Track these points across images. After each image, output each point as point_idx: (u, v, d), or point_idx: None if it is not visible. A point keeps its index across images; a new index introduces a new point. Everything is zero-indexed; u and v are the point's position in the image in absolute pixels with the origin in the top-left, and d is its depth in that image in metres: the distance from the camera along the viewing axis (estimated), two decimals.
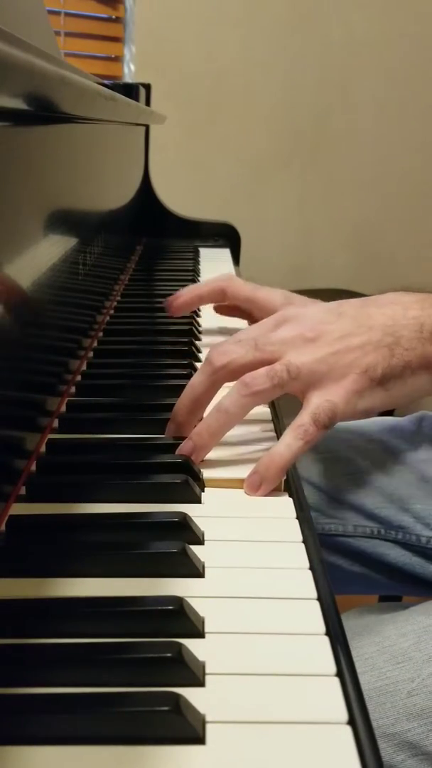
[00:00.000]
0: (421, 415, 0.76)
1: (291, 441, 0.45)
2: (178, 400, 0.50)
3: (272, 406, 0.57)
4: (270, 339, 0.48)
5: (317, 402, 0.46)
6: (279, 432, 0.52)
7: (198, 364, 0.66)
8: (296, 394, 0.48)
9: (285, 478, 0.46)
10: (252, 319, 0.68)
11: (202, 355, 0.69)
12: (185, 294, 0.69)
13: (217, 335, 0.77)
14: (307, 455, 0.73)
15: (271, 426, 0.54)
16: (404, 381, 0.47)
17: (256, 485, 0.45)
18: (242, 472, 0.47)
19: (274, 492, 0.46)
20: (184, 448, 0.47)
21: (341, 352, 0.47)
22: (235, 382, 0.47)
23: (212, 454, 0.49)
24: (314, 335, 0.48)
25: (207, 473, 0.47)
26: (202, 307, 0.85)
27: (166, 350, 0.70)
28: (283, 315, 0.51)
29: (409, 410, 0.81)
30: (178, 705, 0.27)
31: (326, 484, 0.73)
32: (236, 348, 0.48)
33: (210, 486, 0.46)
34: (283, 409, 0.57)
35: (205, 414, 0.49)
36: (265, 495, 0.45)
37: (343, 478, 0.72)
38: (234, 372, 0.48)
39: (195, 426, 0.48)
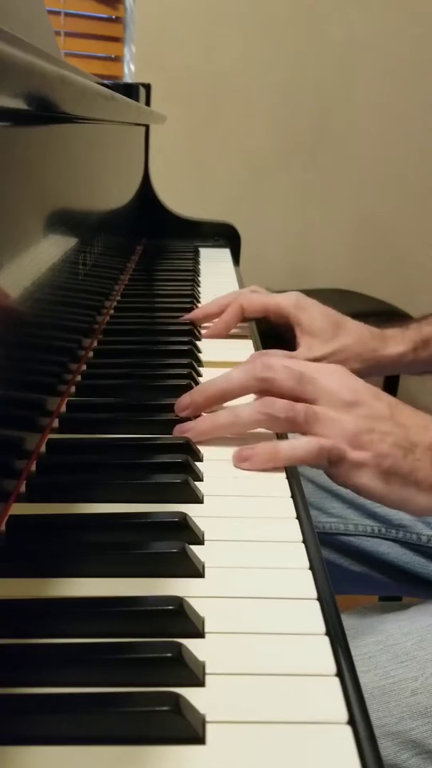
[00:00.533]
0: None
1: (298, 446, 0.47)
2: (207, 382, 0.53)
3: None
4: (314, 382, 0.51)
5: (333, 442, 0.48)
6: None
7: (198, 365, 0.66)
8: (304, 434, 0.49)
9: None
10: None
11: (202, 355, 0.69)
12: (217, 329, 0.76)
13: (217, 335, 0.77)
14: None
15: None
16: (405, 487, 0.48)
17: (244, 458, 0.48)
18: (244, 491, 0.47)
19: (275, 491, 0.46)
20: (184, 426, 0.51)
21: (366, 428, 0.48)
22: (256, 399, 0.51)
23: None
24: (351, 400, 0.50)
25: (207, 474, 0.47)
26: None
27: (166, 350, 0.70)
28: (331, 368, 0.53)
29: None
30: (178, 705, 0.27)
31: (327, 482, 0.73)
32: (283, 372, 0.51)
33: (209, 497, 0.45)
34: None
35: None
36: (258, 470, 0.48)
37: None
38: (268, 389, 0.51)
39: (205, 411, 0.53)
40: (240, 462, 0.48)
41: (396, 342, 0.74)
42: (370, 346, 0.73)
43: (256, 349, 0.73)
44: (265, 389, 0.51)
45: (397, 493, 0.48)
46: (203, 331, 0.77)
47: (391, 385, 1.81)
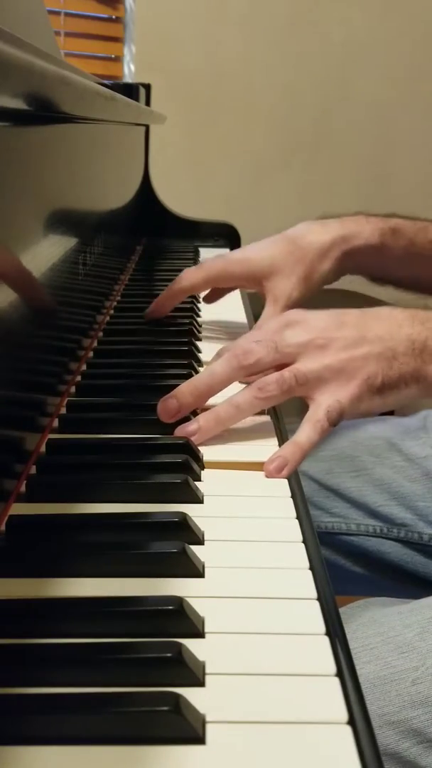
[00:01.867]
0: (426, 413, 0.76)
1: (311, 433, 0.50)
2: (191, 382, 0.53)
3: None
4: (287, 342, 0.53)
5: (328, 401, 0.51)
6: (278, 426, 0.55)
7: (198, 365, 0.66)
8: (303, 396, 0.52)
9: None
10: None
11: (203, 355, 0.69)
12: (153, 305, 0.76)
13: (217, 335, 0.77)
14: (311, 452, 0.73)
15: (264, 418, 0.56)
16: (398, 391, 0.52)
17: (281, 467, 0.48)
18: (241, 455, 0.50)
19: (275, 491, 0.46)
20: (188, 429, 0.51)
21: (347, 360, 0.51)
22: (247, 385, 0.52)
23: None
24: (323, 343, 0.52)
25: (207, 455, 0.48)
26: (202, 307, 0.85)
27: (166, 350, 0.70)
28: (288, 318, 0.55)
29: (413, 409, 0.81)
30: (178, 705, 0.27)
31: (329, 482, 0.73)
32: (260, 349, 0.52)
33: (210, 468, 0.47)
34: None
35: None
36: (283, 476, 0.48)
37: (347, 476, 0.72)
38: (256, 372, 0.53)
39: (192, 410, 0.53)
40: (277, 472, 0.48)
41: (360, 226, 0.73)
42: (327, 236, 0.71)
43: None
44: (252, 373, 0.53)
45: (393, 400, 0.52)
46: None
47: None
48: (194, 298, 0.89)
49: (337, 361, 0.51)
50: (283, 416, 0.57)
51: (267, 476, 0.48)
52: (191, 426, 0.51)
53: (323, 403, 0.51)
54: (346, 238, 0.71)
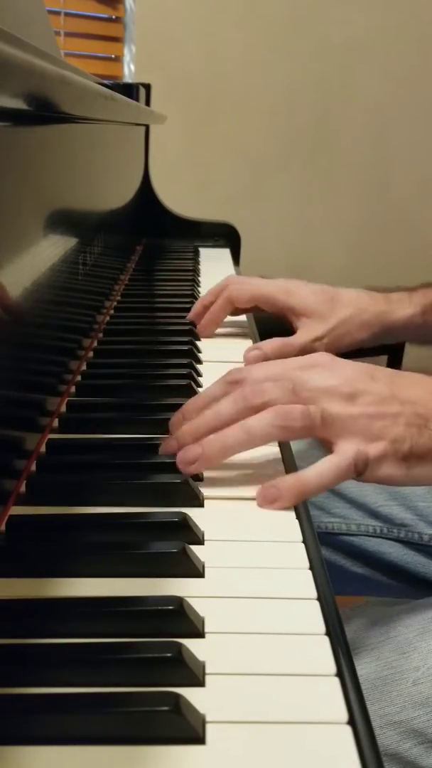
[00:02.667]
0: None
1: (326, 472, 0.45)
2: (192, 425, 0.47)
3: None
4: (307, 385, 0.47)
5: (355, 449, 0.45)
6: (284, 457, 0.51)
7: (198, 365, 0.66)
8: (321, 440, 0.47)
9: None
10: (258, 311, 0.75)
11: (202, 355, 0.69)
12: (206, 322, 0.76)
13: (217, 334, 0.77)
14: (312, 452, 0.73)
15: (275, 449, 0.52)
16: (425, 464, 0.46)
17: (272, 498, 0.44)
18: (244, 491, 0.46)
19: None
20: (189, 453, 0.45)
21: (375, 416, 0.46)
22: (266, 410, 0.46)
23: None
24: (350, 392, 0.47)
25: (207, 473, 0.47)
26: None
27: (166, 350, 0.70)
28: (315, 360, 0.50)
29: None
30: (178, 705, 0.27)
31: None
32: (274, 389, 0.47)
33: (209, 499, 0.45)
34: None
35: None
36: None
37: None
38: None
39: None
40: (268, 504, 0.44)
41: (403, 305, 0.71)
42: (373, 311, 0.71)
43: None
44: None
45: (419, 472, 0.46)
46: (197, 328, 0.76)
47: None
48: (194, 299, 0.89)
49: (364, 414, 0.46)
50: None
51: (258, 504, 0.44)
52: (191, 451, 0.45)
53: (350, 450, 0.45)
54: (388, 314, 0.71)
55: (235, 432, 0.45)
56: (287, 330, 0.72)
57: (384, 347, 1.97)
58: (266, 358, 0.66)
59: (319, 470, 0.45)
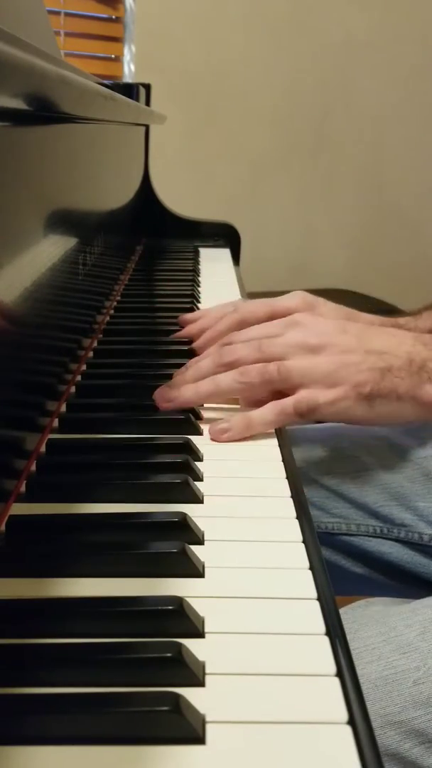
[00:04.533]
0: None
1: (266, 413, 0.52)
2: (181, 374, 0.56)
3: None
4: (274, 342, 0.54)
5: (303, 393, 0.52)
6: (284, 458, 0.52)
7: None
8: (286, 392, 0.53)
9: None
10: None
11: None
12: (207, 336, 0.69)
13: None
14: (312, 452, 0.73)
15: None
16: (389, 403, 0.52)
17: (222, 431, 0.51)
18: (244, 491, 0.46)
19: (275, 491, 0.46)
20: (168, 393, 0.54)
21: (337, 365, 0.52)
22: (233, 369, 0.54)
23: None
24: (317, 344, 0.53)
25: (208, 472, 0.47)
26: (202, 307, 0.85)
27: (166, 350, 0.70)
28: (294, 319, 0.56)
29: None
30: (178, 705, 0.27)
31: (330, 482, 0.73)
32: (243, 348, 0.54)
33: (209, 498, 0.45)
34: None
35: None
36: (232, 441, 0.52)
37: (347, 476, 0.72)
38: (235, 368, 0.54)
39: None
40: (219, 435, 0.51)
41: (410, 331, 0.73)
42: None
43: None
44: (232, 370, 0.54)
45: (383, 412, 0.52)
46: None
47: None
48: (194, 299, 0.89)
49: (327, 364, 0.52)
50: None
51: (211, 437, 0.51)
52: (170, 392, 0.54)
53: (299, 394, 0.52)
54: None
55: (207, 383, 0.54)
56: None
57: None
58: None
59: (263, 411, 0.52)
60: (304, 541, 0.40)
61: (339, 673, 0.31)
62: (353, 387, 0.51)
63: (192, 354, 0.67)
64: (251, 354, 0.54)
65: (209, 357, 0.56)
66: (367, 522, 0.72)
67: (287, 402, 0.52)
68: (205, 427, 0.54)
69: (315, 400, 0.51)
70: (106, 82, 1.27)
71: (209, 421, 0.54)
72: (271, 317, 0.69)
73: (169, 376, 0.61)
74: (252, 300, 0.73)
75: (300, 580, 0.37)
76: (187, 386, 0.54)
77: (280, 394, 0.54)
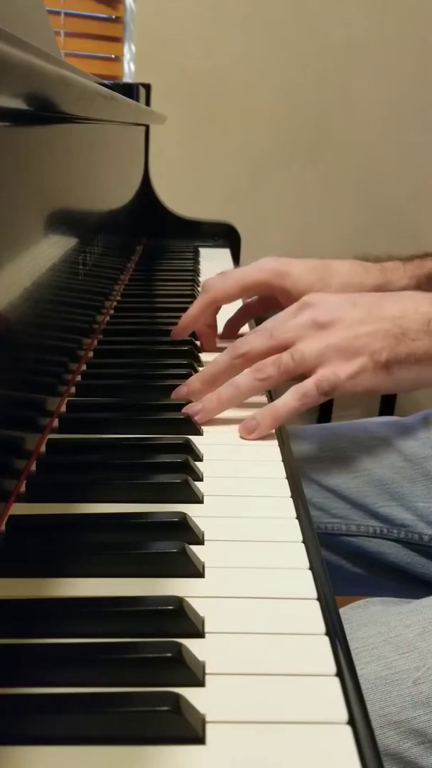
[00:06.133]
0: (426, 413, 0.76)
1: (289, 399, 0.51)
2: (200, 373, 0.57)
3: (268, 394, 0.60)
4: (285, 327, 0.54)
5: (322, 372, 0.51)
6: (284, 457, 0.52)
7: (198, 365, 0.66)
8: (306, 374, 0.52)
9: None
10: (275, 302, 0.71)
11: (202, 356, 0.69)
12: (181, 322, 0.71)
13: (218, 334, 0.77)
14: (312, 452, 0.73)
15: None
16: (408, 368, 0.51)
17: (251, 429, 0.51)
18: (244, 490, 0.47)
19: (275, 491, 0.46)
20: (192, 408, 0.54)
21: (350, 338, 0.51)
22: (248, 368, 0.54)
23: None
24: (327, 321, 0.53)
25: (207, 473, 0.47)
26: None
27: (166, 350, 0.70)
28: (305, 300, 0.55)
29: (412, 409, 0.81)
30: (178, 705, 0.27)
31: (330, 483, 0.73)
32: (254, 338, 0.54)
33: (209, 498, 0.45)
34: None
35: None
36: (258, 439, 0.52)
37: (347, 476, 0.72)
38: (251, 360, 0.54)
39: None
40: (248, 434, 0.51)
41: (398, 274, 0.71)
42: (370, 284, 0.69)
43: None
44: (248, 362, 0.54)
45: (404, 378, 0.52)
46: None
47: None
48: (194, 299, 0.89)
49: (339, 339, 0.51)
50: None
51: (241, 437, 0.51)
52: (195, 407, 0.54)
53: (318, 374, 0.51)
54: (384, 286, 0.69)
55: (226, 389, 0.54)
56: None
57: None
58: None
59: (285, 397, 0.51)
60: (304, 541, 0.40)
61: (339, 673, 0.31)
62: (369, 356, 0.51)
63: (192, 354, 0.68)
64: (264, 342, 0.54)
65: (224, 352, 0.56)
66: (366, 522, 0.72)
67: (308, 384, 0.51)
68: (205, 428, 0.54)
69: (336, 375, 0.51)
70: (106, 82, 1.27)
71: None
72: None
73: (169, 376, 0.61)
74: (216, 276, 0.69)
75: (300, 580, 0.37)
76: (209, 398, 0.54)
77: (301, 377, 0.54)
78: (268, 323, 0.57)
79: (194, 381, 0.56)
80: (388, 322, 0.52)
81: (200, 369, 0.66)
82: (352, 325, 0.52)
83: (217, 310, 0.70)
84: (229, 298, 0.68)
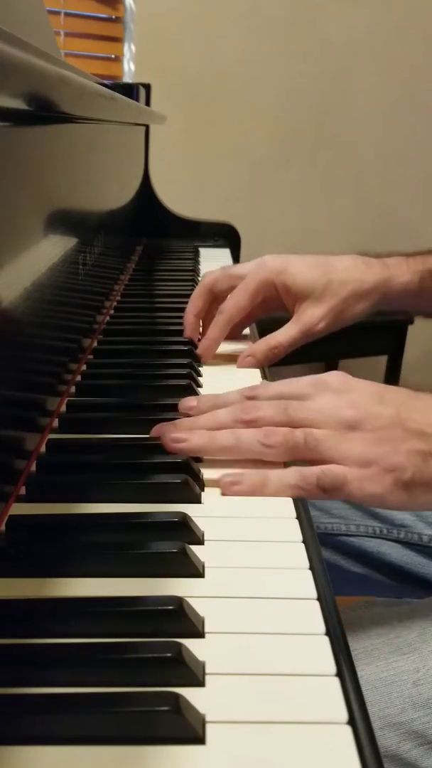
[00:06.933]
0: None
1: (288, 478, 0.45)
2: (193, 420, 0.49)
3: None
4: (302, 407, 0.47)
5: (330, 468, 0.44)
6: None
7: (198, 365, 0.66)
8: (310, 462, 0.46)
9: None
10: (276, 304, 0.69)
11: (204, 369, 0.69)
12: (187, 322, 0.70)
13: None
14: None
15: None
16: (429, 491, 0.44)
17: (231, 485, 0.45)
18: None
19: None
20: (176, 435, 0.47)
21: (373, 442, 0.45)
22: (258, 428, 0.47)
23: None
24: (351, 418, 0.46)
25: (207, 474, 0.47)
26: None
27: (166, 350, 0.70)
28: (326, 381, 0.49)
29: None
30: (178, 705, 0.27)
31: None
32: (268, 408, 0.48)
33: (210, 486, 0.46)
34: None
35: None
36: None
37: None
38: (256, 428, 0.48)
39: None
40: (228, 487, 0.45)
41: (401, 269, 0.69)
42: (372, 280, 0.68)
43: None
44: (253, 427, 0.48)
45: (423, 502, 0.45)
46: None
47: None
48: None
49: (360, 441, 0.45)
50: None
51: (222, 492, 0.45)
52: (181, 434, 0.47)
53: (326, 467, 0.44)
54: (386, 281, 0.68)
55: (225, 435, 0.47)
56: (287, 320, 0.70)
57: (384, 348, 1.97)
58: (259, 363, 0.66)
59: (283, 473, 0.45)
60: (304, 541, 0.40)
61: (339, 673, 0.31)
62: (389, 470, 0.44)
63: (192, 354, 0.68)
64: (276, 415, 0.47)
65: (230, 408, 0.49)
66: (366, 522, 0.72)
67: (311, 472, 0.44)
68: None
69: (343, 477, 0.44)
70: (106, 82, 1.27)
71: None
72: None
73: (169, 376, 0.61)
74: (221, 275, 0.69)
75: (300, 580, 0.37)
76: (201, 432, 0.48)
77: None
78: (283, 388, 0.50)
79: (185, 427, 0.49)
80: (416, 435, 0.45)
81: (200, 369, 0.66)
82: (379, 430, 0.45)
83: (210, 299, 0.70)
84: (245, 312, 0.67)
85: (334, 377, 0.49)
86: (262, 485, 0.45)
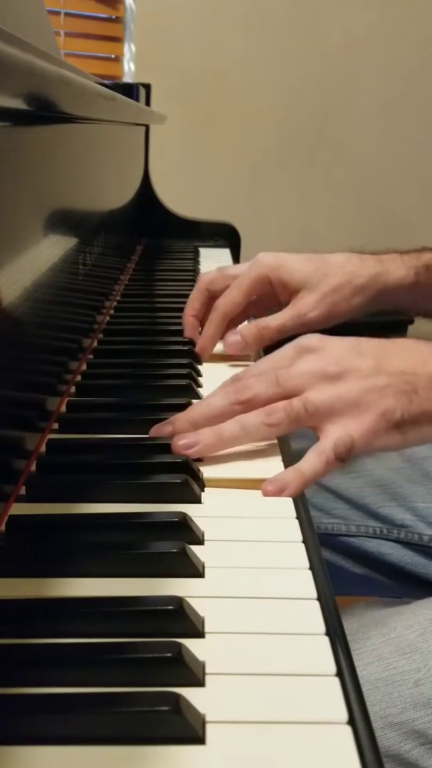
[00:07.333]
0: None
1: (316, 463, 0.47)
2: (189, 412, 0.50)
3: None
4: (291, 373, 0.49)
5: (337, 434, 0.47)
6: (284, 458, 0.51)
7: (198, 365, 0.66)
8: (312, 427, 0.49)
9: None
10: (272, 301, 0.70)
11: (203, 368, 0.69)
12: (186, 323, 0.71)
13: None
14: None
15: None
16: (420, 427, 0.48)
17: (280, 490, 0.46)
18: (242, 472, 0.47)
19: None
20: (185, 442, 0.48)
21: (362, 391, 0.48)
22: (256, 410, 0.49)
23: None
24: (336, 372, 0.49)
25: (207, 473, 0.47)
26: None
27: (166, 350, 0.70)
28: (304, 345, 0.51)
29: None
30: (178, 705, 0.27)
31: (329, 483, 0.73)
32: (258, 383, 0.49)
33: (210, 486, 0.46)
34: None
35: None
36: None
37: (347, 477, 0.72)
38: (255, 407, 0.49)
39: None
40: (276, 492, 0.46)
41: (395, 264, 0.70)
42: (366, 274, 0.68)
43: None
44: (250, 409, 0.49)
45: (415, 438, 0.48)
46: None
47: None
48: None
49: (351, 391, 0.48)
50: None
51: (264, 495, 0.45)
52: (188, 437, 0.48)
53: (332, 434, 0.47)
54: (381, 276, 0.69)
55: (231, 426, 0.48)
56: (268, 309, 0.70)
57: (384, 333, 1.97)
58: (246, 345, 0.66)
59: (309, 461, 0.47)
60: (304, 541, 0.40)
61: (339, 673, 0.31)
62: (382, 414, 0.47)
63: (192, 354, 0.68)
64: (269, 388, 0.49)
65: (220, 394, 0.50)
66: (366, 523, 0.72)
67: (327, 445, 0.47)
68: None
69: (351, 438, 0.47)
70: (106, 82, 1.27)
71: None
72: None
73: (169, 376, 0.61)
74: (217, 276, 0.70)
75: (300, 580, 0.37)
76: (206, 431, 0.48)
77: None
78: (265, 363, 0.52)
79: (182, 421, 0.50)
80: (399, 377, 0.48)
81: (200, 369, 0.66)
82: (363, 377, 0.48)
83: (207, 300, 0.71)
84: (239, 308, 0.68)
85: (310, 339, 0.51)
86: (303, 481, 0.46)
